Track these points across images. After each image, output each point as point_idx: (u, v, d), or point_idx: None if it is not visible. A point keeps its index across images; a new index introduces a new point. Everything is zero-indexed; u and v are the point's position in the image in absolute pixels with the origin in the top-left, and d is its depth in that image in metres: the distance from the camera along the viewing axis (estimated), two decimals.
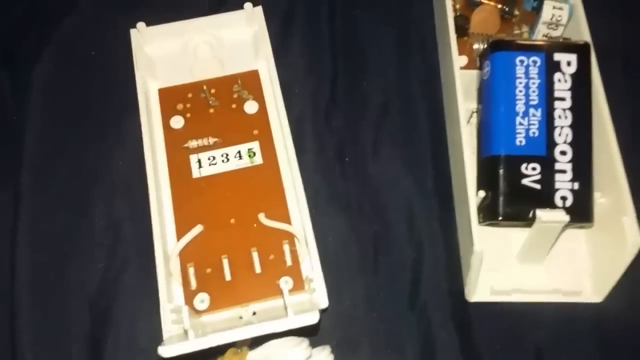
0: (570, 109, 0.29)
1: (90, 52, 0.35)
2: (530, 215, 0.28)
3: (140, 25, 0.34)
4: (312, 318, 0.25)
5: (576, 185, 0.28)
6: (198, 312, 0.28)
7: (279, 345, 0.26)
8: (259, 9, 0.35)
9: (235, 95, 0.33)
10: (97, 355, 0.29)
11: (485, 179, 0.29)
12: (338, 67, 0.35)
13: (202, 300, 0.29)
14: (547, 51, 0.30)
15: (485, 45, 0.33)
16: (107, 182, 0.32)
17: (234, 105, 0.33)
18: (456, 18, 0.33)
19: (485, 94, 0.30)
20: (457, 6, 0.35)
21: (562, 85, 0.29)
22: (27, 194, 0.32)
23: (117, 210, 0.32)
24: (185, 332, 0.25)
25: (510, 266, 0.30)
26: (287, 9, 0.37)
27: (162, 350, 0.24)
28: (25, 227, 0.31)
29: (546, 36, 0.33)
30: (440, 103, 0.35)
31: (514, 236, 0.30)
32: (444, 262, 0.31)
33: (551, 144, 0.29)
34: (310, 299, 0.28)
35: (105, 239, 0.31)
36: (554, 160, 0.29)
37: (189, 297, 0.29)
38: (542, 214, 0.28)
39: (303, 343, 0.26)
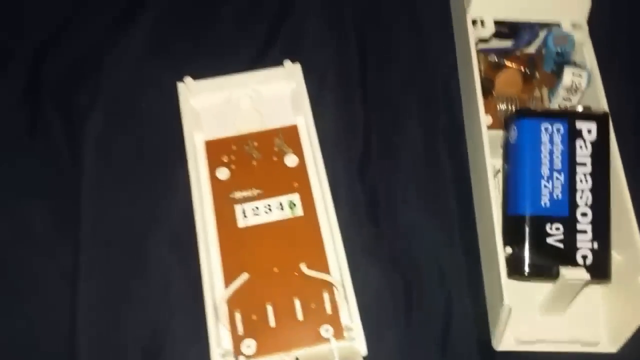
0: (591, 173, 0.32)
1: (140, 103, 0.37)
2: (554, 272, 0.31)
3: (188, 79, 0.36)
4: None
5: (596, 245, 0.31)
6: (246, 357, 0.31)
7: None
8: (298, 65, 0.37)
9: (276, 149, 0.35)
10: None
11: (512, 236, 0.32)
12: (370, 122, 0.38)
13: (248, 345, 0.31)
14: (570, 119, 0.32)
15: (510, 107, 0.36)
16: (159, 230, 0.34)
17: (275, 158, 0.35)
18: (482, 80, 0.36)
19: (512, 156, 0.33)
20: (482, 68, 0.37)
21: (583, 152, 0.32)
22: (85, 243, 0.34)
23: (168, 257, 0.34)
24: None
25: (533, 317, 0.33)
26: (321, 66, 0.39)
27: None
28: (85, 272, 0.33)
29: (565, 100, 0.36)
30: (465, 158, 0.37)
31: (537, 288, 0.33)
32: (471, 313, 0.33)
33: (573, 205, 0.31)
34: (350, 347, 0.30)
35: (157, 285, 0.33)
36: (576, 221, 0.31)
37: (237, 342, 0.31)
38: (565, 272, 0.30)
39: None
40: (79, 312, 0.32)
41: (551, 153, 0.32)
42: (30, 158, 0.36)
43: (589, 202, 0.31)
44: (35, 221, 0.34)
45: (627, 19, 0.41)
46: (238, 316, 0.31)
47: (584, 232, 0.31)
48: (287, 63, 0.37)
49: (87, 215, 0.34)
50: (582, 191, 0.31)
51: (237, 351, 0.30)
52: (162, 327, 0.32)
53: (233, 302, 0.32)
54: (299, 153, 0.35)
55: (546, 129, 0.32)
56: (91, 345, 0.32)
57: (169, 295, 0.33)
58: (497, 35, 0.38)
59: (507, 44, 0.38)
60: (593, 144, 0.32)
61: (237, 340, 0.31)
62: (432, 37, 0.41)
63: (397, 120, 0.38)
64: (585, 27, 0.37)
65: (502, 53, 0.38)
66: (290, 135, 0.36)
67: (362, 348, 0.30)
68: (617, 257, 0.32)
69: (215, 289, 0.32)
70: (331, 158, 0.36)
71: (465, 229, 0.35)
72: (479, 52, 0.37)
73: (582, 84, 0.35)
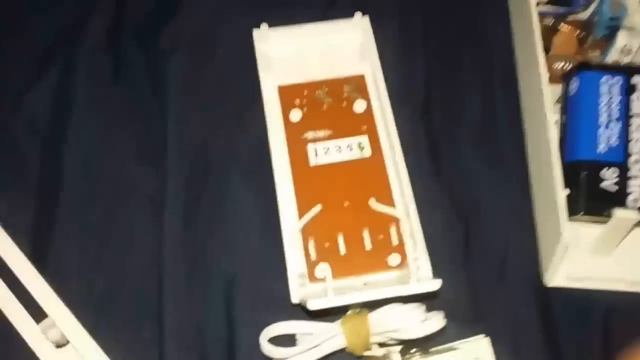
0: None
1: (218, 48, 0.40)
2: (607, 213, 0.33)
3: (264, 26, 0.38)
4: (435, 284, 0.30)
5: None
6: (318, 280, 0.33)
7: (397, 307, 0.31)
8: (366, 18, 0.39)
9: (345, 95, 0.38)
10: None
11: (569, 180, 0.34)
12: (431, 71, 0.40)
13: (323, 269, 0.33)
14: (627, 73, 0.35)
15: (566, 65, 0.38)
16: (236, 164, 0.37)
17: (344, 104, 0.38)
18: None
19: (571, 106, 0.35)
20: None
21: (638, 104, 0.35)
22: (170, 174, 0.36)
23: (245, 191, 0.36)
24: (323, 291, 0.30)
25: (584, 257, 0.35)
26: (388, 17, 0.41)
27: (311, 304, 0.29)
28: (170, 203, 0.36)
29: (616, 62, 0.38)
30: (519, 109, 0.40)
31: (583, 231, 0.35)
32: (525, 251, 0.36)
33: (627, 153, 0.34)
34: (416, 274, 0.33)
35: (235, 216, 0.36)
36: (628, 168, 0.34)
37: (311, 267, 0.33)
38: (618, 212, 0.33)
39: (421, 307, 0.31)
40: (165, 240, 0.35)
41: (609, 103, 0.34)
42: (116, 97, 0.38)
43: None
44: (124, 155, 0.37)
45: None
46: (311, 244, 0.34)
47: (637, 177, 0.34)
48: (357, 15, 0.39)
49: (172, 148, 0.37)
50: (636, 140, 0.34)
51: (312, 276, 0.33)
52: (241, 254, 0.35)
53: (307, 231, 0.34)
54: (367, 99, 0.38)
55: (606, 80, 0.34)
56: (177, 270, 0.34)
57: (247, 225, 0.35)
58: (553, 0, 0.40)
59: (562, 8, 0.41)
60: None
61: (310, 265, 0.33)
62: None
63: (455, 72, 0.40)
64: None
65: (558, 16, 0.40)
66: (358, 83, 0.38)
67: (428, 274, 0.32)
68: None
69: (290, 219, 0.34)
70: (397, 104, 0.38)
71: (519, 173, 0.38)
72: (538, 13, 0.39)
73: (635, 46, 0.38)
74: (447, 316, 0.31)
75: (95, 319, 0.32)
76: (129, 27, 0.40)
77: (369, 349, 0.31)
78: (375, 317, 0.31)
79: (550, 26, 0.40)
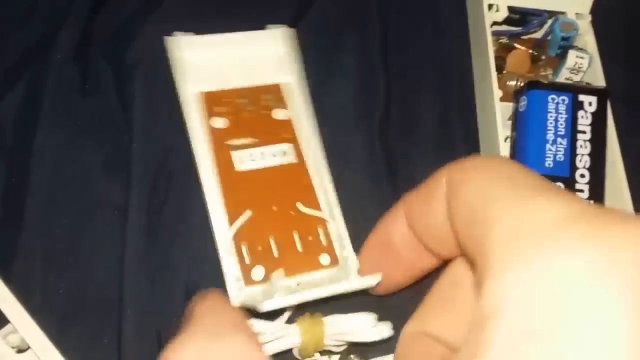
0: (590, 140, 0.36)
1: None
2: None
3: (178, 34, 0.39)
4: (374, 279, 0.31)
5: (591, 203, 0.35)
6: (255, 282, 0.34)
7: (350, 314, 0.32)
8: (291, 30, 0.40)
9: (266, 103, 0.39)
10: None
11: None
12: (389, 88, 0.42)
13: (257, 271, 0.34)
14: (574, 92, 0.37)
15: (520, 83, 0.40)
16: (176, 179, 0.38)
17: (266, 112, 0.39)
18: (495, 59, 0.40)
19: (520, 123, 0.37)
20: (494, 48, 0.42)
21: (584, 121, 0.36)
22: (135, 184, 0.38)
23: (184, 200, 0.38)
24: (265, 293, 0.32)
25: None
26: (336, 32, 0.43)
27: (266, 305, 0.30)
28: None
29: (568, 79, 0.40)
30: (475, 127, 0.41)
31: None
32: None
33: (573, 167, 0.36)
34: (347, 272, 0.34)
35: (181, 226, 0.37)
36: (575, 181, 0.36)
37: (246, 270, 0.34)
38: None
39: (372, 314, 0.32)
40: (127, 249, 0.36)
41: (556, 120, 0.36)
42: (84, 110, 0.39)
43: (587, 165, 0.36)
44: (90, 167, 0.38)
45: (625, 11, 0.46)
46: (244, 249, 0.35)
47: (582, 191, 0.36)
48: (282, 27, 0.40)
49: (136, 160, 0.38)
50: (582, 155, 0.36)
51: (248, 279, 0.34)
52: (202, 263, 0.36)
53: (239, 236, 0.35)
54: (289, 108, 0.39)
55: (553, 99, 0.36)
56: (138, 279, 0.35)
57: (208, 235, 0.36)
58: (508, 21, 0.42)
59: (516, 29, 0.43)
60: (593, 114, 0.37)
61: (246, 269, 0.34)
62: (447, 20, 0.45)
63: (414, 88, 0.42)
64: (588, 17, 0.42)
65: (513, 36, 0.42)
66: (278, 93, 0.40)
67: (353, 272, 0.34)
68: None
69: (222, 226, 0.35)
70: (355, 119, 0.40)
71: None
72: (492, 33, 0.41)
73: (584, 65, 0.40)
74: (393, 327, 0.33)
75: (57, 326, 0.33)
76: (98, 42, 0.41)
77: (320, 349, 0.32)
78: (328, 320, 0.32)
79: (505, 45, 0.42)
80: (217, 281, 0.35)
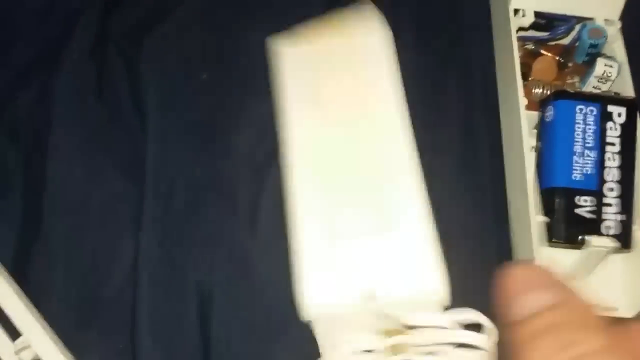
0: (619, 152, 0.35)
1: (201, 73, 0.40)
2: (581, 240, 0.34)
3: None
4: None
5: (620, 217, 0.35)
6: None
7: None
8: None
9: None
10: None
11: (544, 207, 0.35)
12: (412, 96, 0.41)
13: None
14: (602, 103, 0.36)
15: (545, 91, 0.39)
16: (214, 186, 0.38)
17: None
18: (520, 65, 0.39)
19: (547, 134, 0.36)
20: (520, 54, 0.41)
21: (613, 133, 0.36)
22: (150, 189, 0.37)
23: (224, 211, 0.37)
24: None
25: None
26: None
27: None
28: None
29: (595, 88, 0.39)
30: (498, 135, 0.40)
31: (558, 257, 0.36)
32: None
33: (601, 181, 0.35)
34: None
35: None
36: (603, 195, 0.35)
37: None
38: (592, 239, 0.34)
39: None
40: (142, 256, 0.35)
41: (584, 132, 0.35)
42: (99, 112, 0.39)
43: (616, 178, 0.35)
44: (106, 170, 0.37)
45: None
46: None
47: (610, 205, 0.35)
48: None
49: (151, 166, 0.37)
50: (610, 168, 0.35)
51: None
52: (217, 272, 0.35)
53: None
54: None
55: (580, 110, 0.35)
56: (153, 275, 0.35)
57: (224, 244, 0.36)
58: (534, 26, 0.41)
59: (542, 34, 0.42)
60: (622, 125, 0.36)
61: None
62: (470, 24, 0.44)
63: (437, 96, 0.41)
64: (618, 23, 0.40)
65: (539, 42, 0.41)
66: None
67: None
68: (638, 231, 0.35)
69: None
70: None
71: (496, 201, 0.39)
72: (518, 39, 0.40)
73: (613, 74, 0.39)
74: None
75: (73, 331, 0.33)
76: (113, 42, 0.40)
77: None
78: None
79: (531, 51, 0.41)
80: (233, 288, 0.35)
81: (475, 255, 0.37)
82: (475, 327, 0.30)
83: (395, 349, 0.30)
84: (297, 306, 0.32)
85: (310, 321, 0.30)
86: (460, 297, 0.31)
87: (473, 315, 0.30)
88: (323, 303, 0.31)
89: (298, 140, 0.35)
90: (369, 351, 0.30)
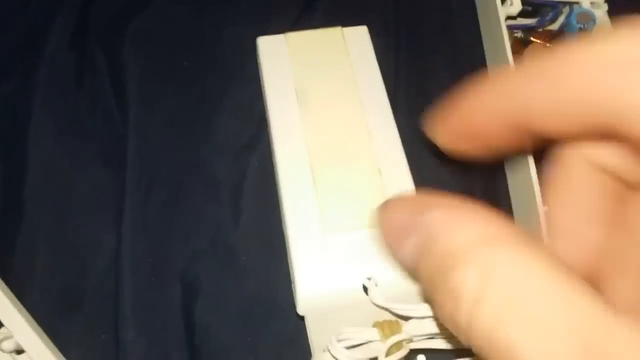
0: None
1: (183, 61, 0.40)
2: None
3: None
4: None
5: None
6: None
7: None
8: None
9: None
10: None
11: None
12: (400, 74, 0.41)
13: None
14: None
15: None
16: (197, 174, 0.37)
17: None
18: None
19: None
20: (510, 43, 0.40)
21: None
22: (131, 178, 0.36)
23: (207, 199, 0.36)
24: None
25: None
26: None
27: None
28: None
29: None
30: None
31: None
32: None
33: None
34: None
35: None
36: None
37: None
38: None
39: None
40: (124, 244, 0.34)
41: None
42: (79, 101, 0.38)
43: None
44: (86, 159, 0.36)
45: None
46: None
47: None
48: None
49: (132, 154, 0.36)
50: None
51: None
52: (200, 260, 0.35)
53: None
54: None
55: None
56: (135, 264, 0.34)
57: (207, 232, 0.35)
58: (521, 13, 0.41)
59: (530, 21, 0.42)
60: None
61: None
62: (457, 13, 0.44)
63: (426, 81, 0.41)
64: (605, 6, 0.40)
65: (527, 30, 0.41)
66: None
67: None
68: None
69: None
70: None
71: (484, 183, 0.38)
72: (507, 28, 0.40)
73: None
74: None
75: (54, 321, 0.32)
76: (93, 32, 0.40)
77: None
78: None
79: (521, 39, 0.41)
80: (216, 276, 0.34)
81: None
82: None
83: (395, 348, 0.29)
84: (281, 293, 0.32)
85: (304, 316, 0.29)
86: None
87: None
88: (316, 297, 0.30)
89: (283, 130, 0.34)
90: (364, 344, 0.29)
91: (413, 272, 0.21)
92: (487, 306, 0.17)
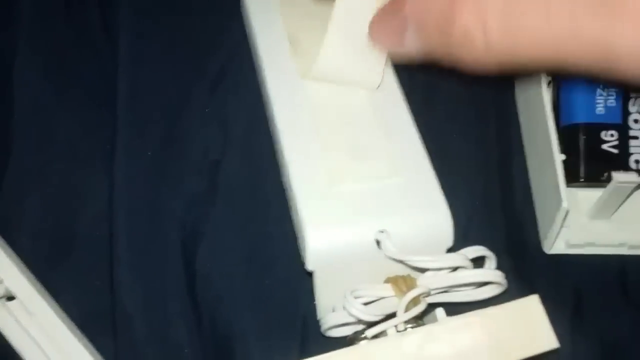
0: None
1: None
2: (607, 177, 0.32)
3: None
4: None
5: None
6: None
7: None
8: None
9: None
10: None
11: (567, 145, 0.33)
12: None
13: None
14: None
15: None
16: (190, 111, 0.35)
17: None
18: None
19: None
20: None
21: None
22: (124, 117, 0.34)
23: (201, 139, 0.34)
24: None
25: (582, 222, 0.34)
26: None
27: None
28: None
29: None
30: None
31: (581, 195, 0.34)
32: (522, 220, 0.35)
33: (626, 112, 0.33)
34: None
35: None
36: (629, 127, 0.33)
37: None
38: (617, 175, 0.32)
39: None
40: (118, 188, 0.32)
41: None
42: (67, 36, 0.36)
43: None
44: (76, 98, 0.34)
45: None
46: None
47: (636, 137, 0.33)
48: None
49: (123, 93, 0.34)
50: (635, 98, 0.34)
51: None
52: (196, 205, 0.33)
53: None
54: None
55: None
56: (131, 208, 0.32)
57: (203, 174, 0.33)
58: None
59: None
60: None
61: None
62: None
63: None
64: None
65: None
66: None
67: None
68: None
69: None
70: None
71: (501, 136, 0.37)
72: None
73: None
74: None
75: (47, 267, 0.30)
76: None
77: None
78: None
79: None
80: (218, 220, 0.32)
81: (477, 194, 0.35)
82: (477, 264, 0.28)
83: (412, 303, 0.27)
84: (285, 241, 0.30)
85: (313, 271, 0.27)
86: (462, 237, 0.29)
87: (482, 251, 0.28)
88: (327, 252, 0.27)
89: (279, 79, 0.32)
90: (377, 300, 0.27)
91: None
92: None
